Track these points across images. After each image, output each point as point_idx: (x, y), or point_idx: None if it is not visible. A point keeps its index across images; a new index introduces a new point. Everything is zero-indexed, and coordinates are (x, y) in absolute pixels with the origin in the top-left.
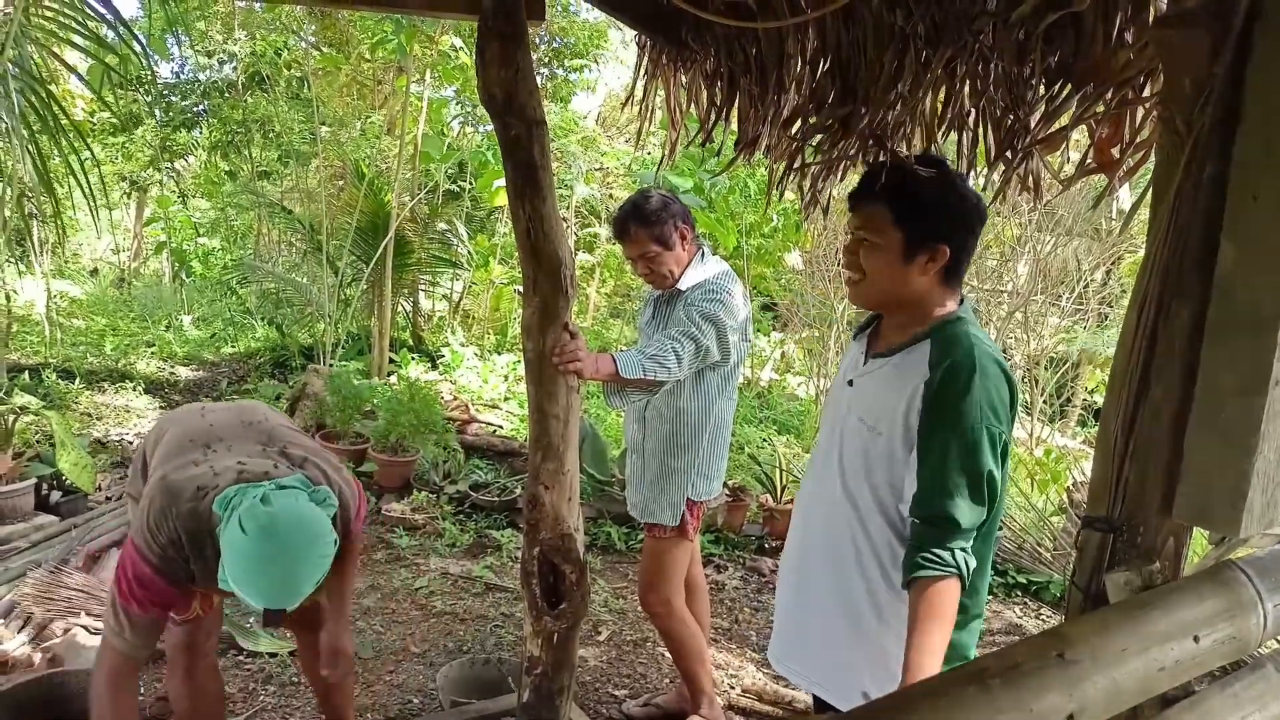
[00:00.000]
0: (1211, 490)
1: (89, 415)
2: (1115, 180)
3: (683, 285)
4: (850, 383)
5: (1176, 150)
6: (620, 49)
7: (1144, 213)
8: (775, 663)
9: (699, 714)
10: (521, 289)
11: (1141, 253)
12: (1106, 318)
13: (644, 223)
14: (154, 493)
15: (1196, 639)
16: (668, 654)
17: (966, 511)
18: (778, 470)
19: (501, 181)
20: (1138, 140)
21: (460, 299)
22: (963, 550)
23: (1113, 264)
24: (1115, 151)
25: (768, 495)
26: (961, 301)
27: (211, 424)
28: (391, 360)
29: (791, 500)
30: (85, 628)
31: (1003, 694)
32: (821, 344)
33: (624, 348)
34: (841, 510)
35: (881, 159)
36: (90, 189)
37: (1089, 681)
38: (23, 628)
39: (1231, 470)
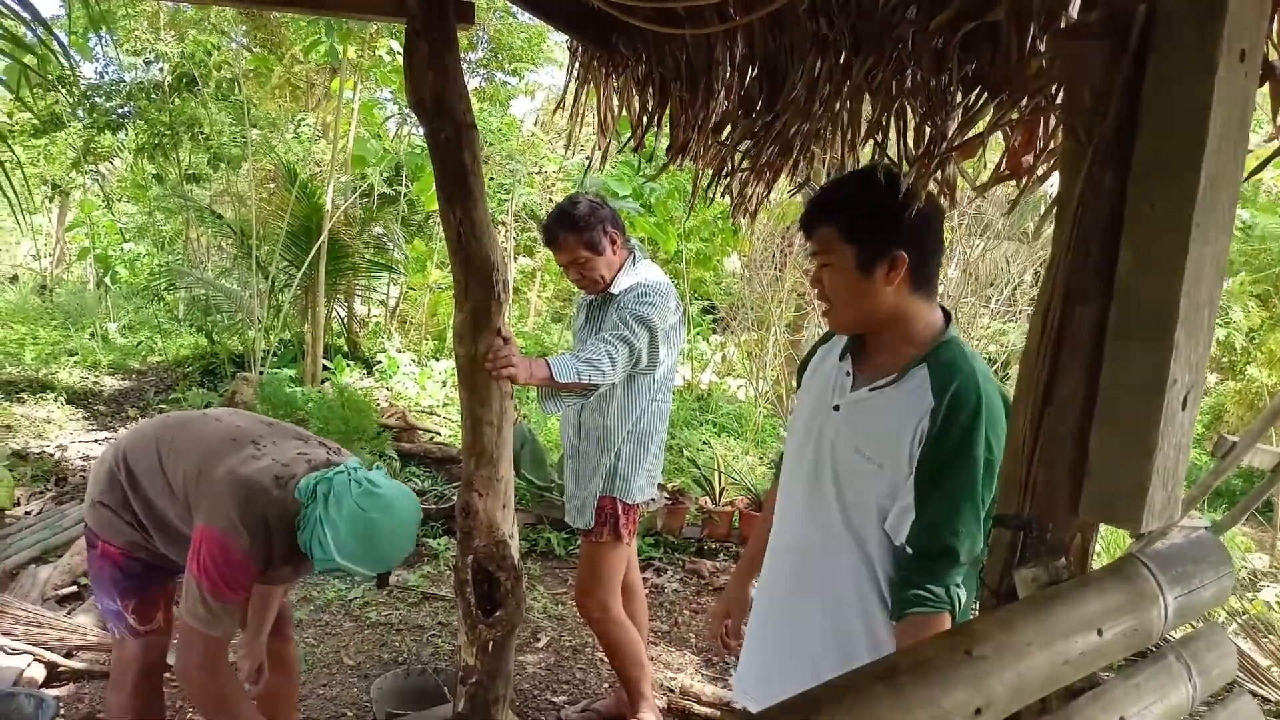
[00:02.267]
0: (1115, 487)
1: (8, 428)
2: (1026, 187)
3: (615, 289)
4: (836, 408)
5: (1079, 158)
6: (559, 52)
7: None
8: (744, 694)
9: (637, 718)
10: None
11: None
12: None
13: (573, 229)
14: (227, 488)
15: (1100, 632)
16: (606, 659)
17: (968, 544)
18: (716, 473)
19: None
20: (1050, 148)
21: (397, 304)
22: (956, 585)
23: (1040, 266)
24: (1029, 159)
25: (706, 498)
26: (947, 318)
27: (237, 424)
28: (325, 367)
29: (730, 503)
30: (0, 648)
31: (911, 691)
32: (760, 347)
33: (562, 353)
34: (843, 546)
35: (803, 165)
36: (14, 191)
37: (994, 676)
38: None
39: (1133, 467)
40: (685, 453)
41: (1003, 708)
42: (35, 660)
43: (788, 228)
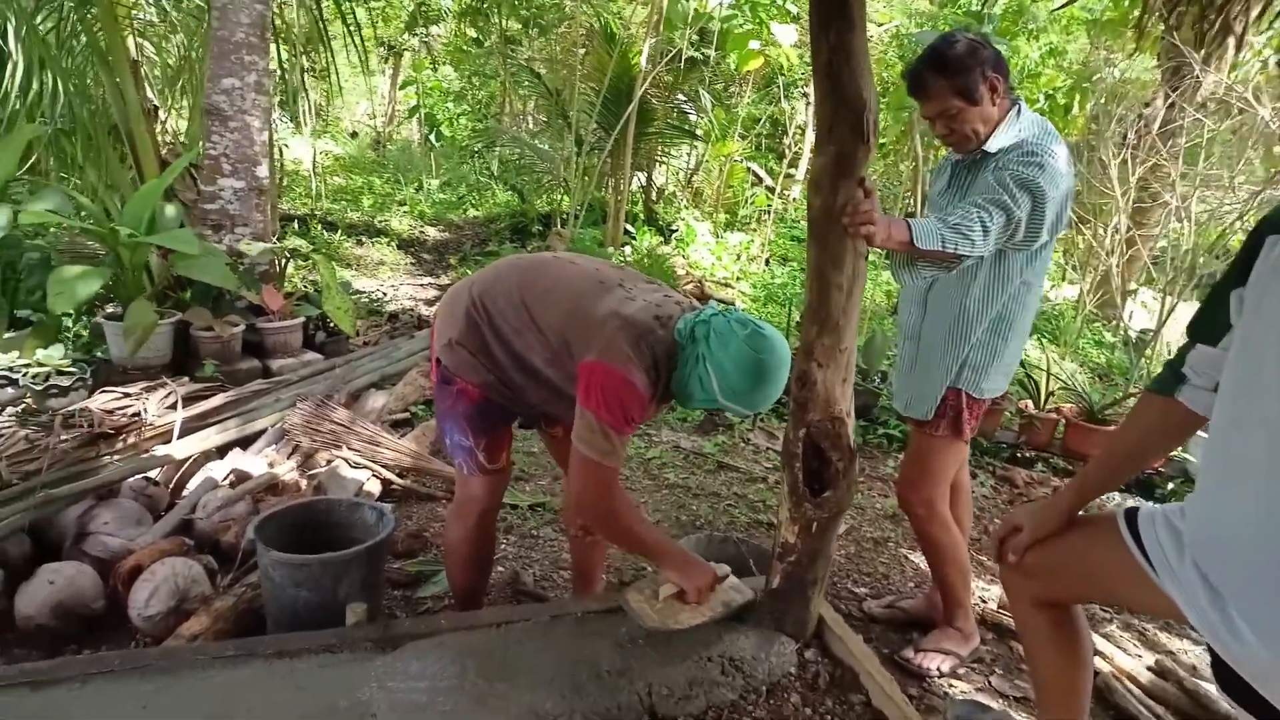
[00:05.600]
0: None
1: (349, 266)
2: None
3: (990, 147)
4: None
5: None
6: None
7: None
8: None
9: (953, 626)
10: (755, 165)
11: None
12: None
13: (945, 72)
14: (616, 327)
15: None
16: (911, 556)
17: None
18: (1044, 374)
19: (756, 43)
20: None
21: (693, 174)
22: None
23: None
24: None
25: (1028, 401)
26: None
27: (595, 267)
28: (627, 231)
29: (1055, 409)
30: (345, 460)
31: None
32: (1091, 245)
33: (928, 215)
34: None
35: None
36: (358, 48)
37: None
38: (291, 454)
39: None
40: None
41: None
42: (374, 476)
43: (1147, 102)
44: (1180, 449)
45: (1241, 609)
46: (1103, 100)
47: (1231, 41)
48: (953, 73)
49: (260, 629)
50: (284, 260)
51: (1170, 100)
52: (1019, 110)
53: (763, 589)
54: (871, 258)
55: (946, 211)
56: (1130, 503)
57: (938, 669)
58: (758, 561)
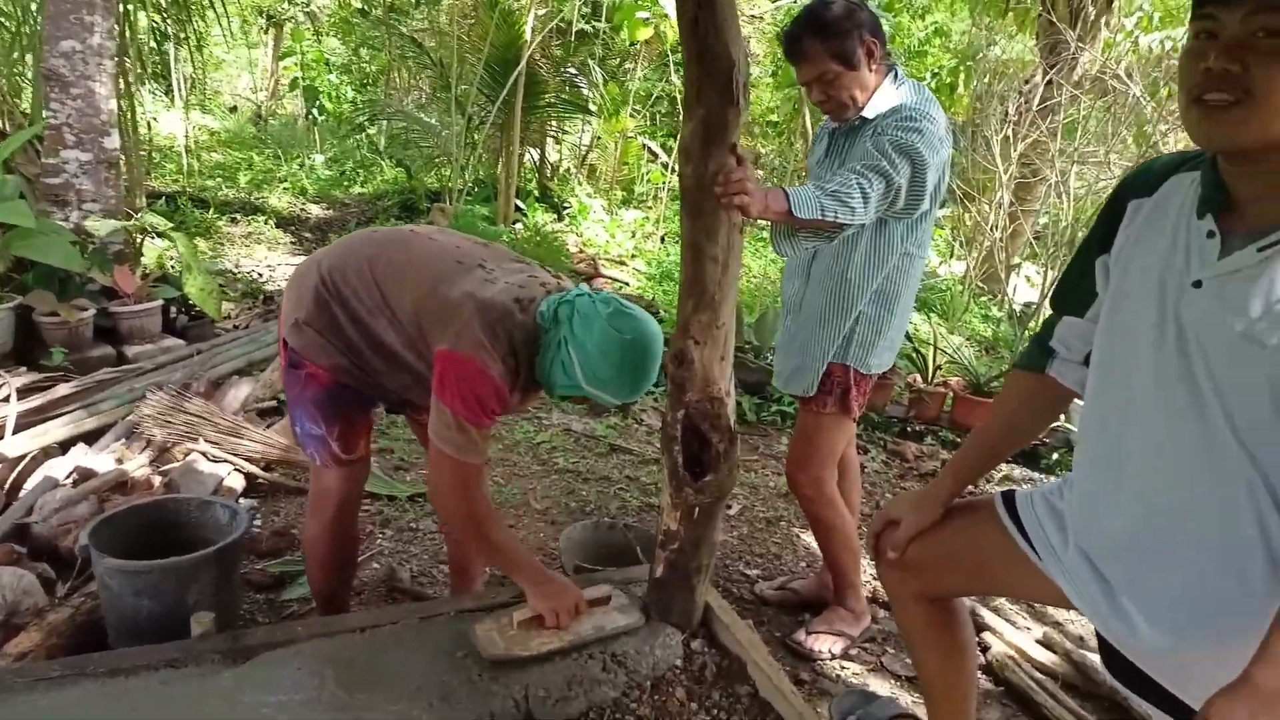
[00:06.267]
0: None
1: (220, 245)
2: None
3: (869, 113)
4: (1198, 283)
5: None
6: None
7: None
8: (1139, 627)
9: (844, 606)
10: (650, 142)
11: None
12: None
13: (821, 35)
14: (471, 312)
15: None
16: (803, 536)
17: None
18: (931, 349)
19: (645, 14)
20: None
21: (588, 151)
22: None
23: None
24: None
25: (917, 375)
26: None
27: (456, 244)
28: (518, 208)
29: (943, 383)
30: (204, 454)
31: None
32: (976, 221)
33: (806, 183)
34: (1234, 470)
35: None
36: (227, 15)
37: None
38: (144, 449)
39: None
40: None
41: None
42: (235, 470)
43: (1027, 80)
44: (1062, 418)
45: (1136, 602)
46: (985, 79)
47: (1104, 21)
48: (829, 35)
49: (102, 643)
50: (139, 238)
51: (1048, 78)
52: (895, 75)
53: (647, 578)
54: (762, 232)
55: (825, 180)
56: (1016, 476)
57: (829, 651)
58: (645, 548)
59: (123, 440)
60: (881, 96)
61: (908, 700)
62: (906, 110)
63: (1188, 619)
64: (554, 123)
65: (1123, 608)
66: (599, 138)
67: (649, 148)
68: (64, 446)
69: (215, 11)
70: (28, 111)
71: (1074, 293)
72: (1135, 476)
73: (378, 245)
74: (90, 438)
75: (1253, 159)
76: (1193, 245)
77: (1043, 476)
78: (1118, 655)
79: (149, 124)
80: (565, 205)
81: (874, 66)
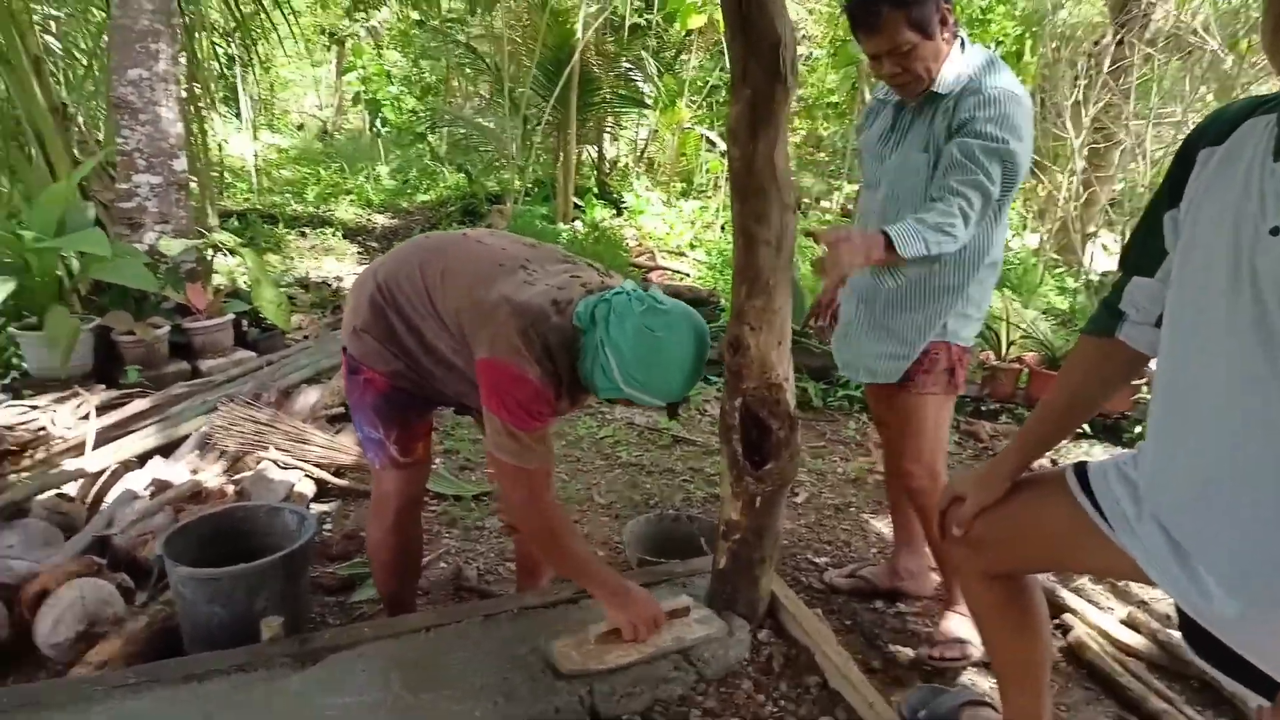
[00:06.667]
0: None
1: (290, 259)
2: None
3: (940, 88)
4: (1275, 230)
5: None
6: None
7: None
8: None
9: (955, 610)
10: (708, 131)
11: None
12: None
13: (902, 2)
14: (506, 315)
15: None
16: (873, 521)
17: None
18: (1004, 324)
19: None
20: None
21: (645, 145)
22: None
23: None
24: None
25: (989, 352)
26: None
27: (502, 246)
28: (576, 205)
29: (1017, 359)
30: (275, 462)
31: None
32: (1049, 191)
33: (905, 220)
34: None
35: None
36: (293, 34)
37: None
38: (218, 459)
39: None
40: None
41: None
42: (306, 476)
43: (1097, 41)
44: (1146, 388)
45: (1207, 563)
46: (1053, 44)
47: None
48: (909, 2)
49: (178, 650)
50: (210, 255)
51: (1119, 36)
52: (963, 43)
53: (711, 569)
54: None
55: (875, 167)
56: (1096, 453)
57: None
58: (709, 539)
59: (197, 451)
60: (950, 67)
61: (986, 686)
62: (989, 92)
63: (1253, 574)
64: (610, 119)
65: (1196, 572)
66: (656, 131)
67: (707, 138)
68: (141, 460)
69: (279, 34)
70: (102, 141)
71: (1143, 251)
72: (1205, 430)
73: (428, 251)
74: (166, 450)
75: None
76: (1268, 190)
77: (1126, 452)
78: (1199, 630)
79: (219, 146)
80: (623, 201)
81: (946, 35)
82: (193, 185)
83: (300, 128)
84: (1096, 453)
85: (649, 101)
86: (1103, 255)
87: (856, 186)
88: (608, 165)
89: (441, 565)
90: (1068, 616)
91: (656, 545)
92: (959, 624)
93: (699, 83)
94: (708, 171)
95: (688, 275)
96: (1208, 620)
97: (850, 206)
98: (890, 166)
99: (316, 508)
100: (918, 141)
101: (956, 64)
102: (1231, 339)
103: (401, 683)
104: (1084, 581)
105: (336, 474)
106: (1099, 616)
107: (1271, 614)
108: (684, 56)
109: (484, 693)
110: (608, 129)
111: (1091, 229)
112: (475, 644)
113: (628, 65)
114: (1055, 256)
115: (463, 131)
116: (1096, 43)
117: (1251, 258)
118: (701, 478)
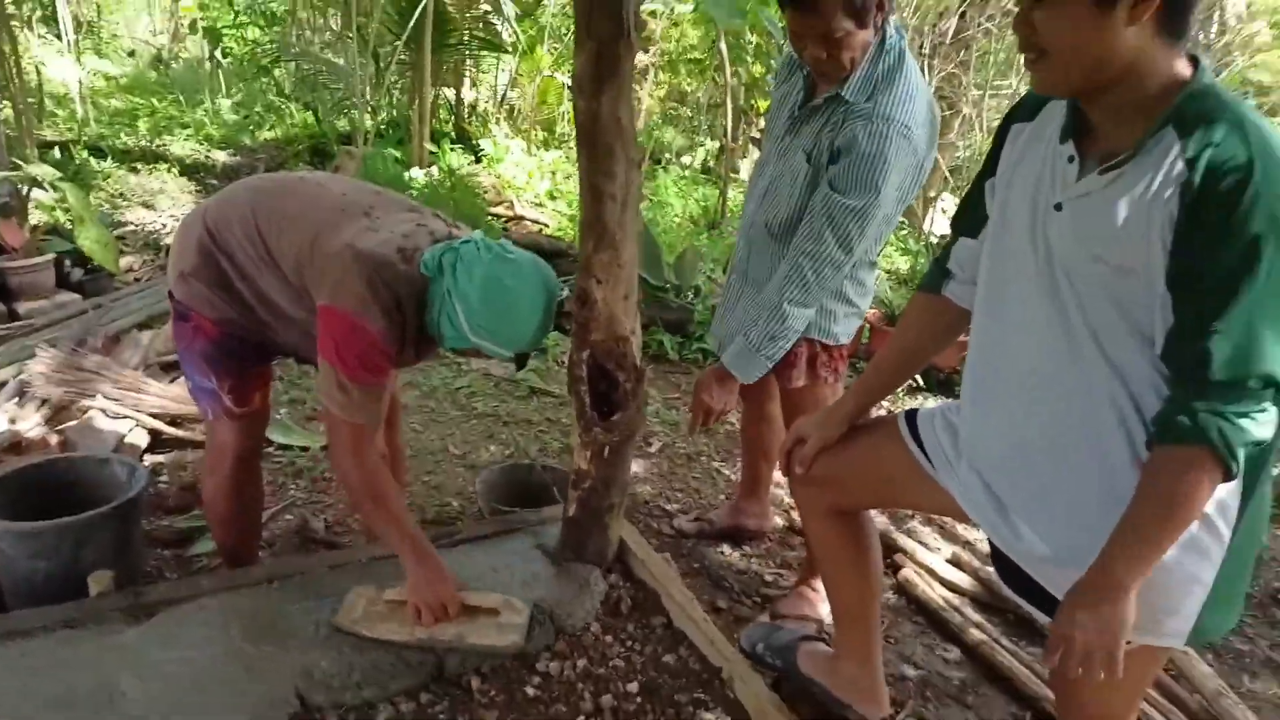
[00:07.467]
0: None
1: (121, 196)
2: None
3: (846, 92)
4: (1059, 206)
5: None
6: None
7: None
8: (1030, 543)
9: (812, 587)
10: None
11: None
12: None
13: None
14: (348, 263)
15: None
16: (724, 470)
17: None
18: None
19: None
20: None
21: (505, 91)
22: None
23: None
24: None
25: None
26: (1196, 65)
27: (343, 191)
28: (432, 151)
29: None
30: (103, 410)
31: None
32: None
33: (737, 339)
34: (1103, 390)
35: None
36: None
37: None
38: (40, 408)
39: None
40: None
41: None
42: (138, 426)
43: (941, 14)
44: None
45: (1020, 511)
46: (905, 14)
47: None
48: None
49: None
50: (25, 189)
51: (960, 9)
52: (884, 41)
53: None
54: (684, 170)
55: (755, 312)
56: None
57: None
58: (563, 489)
59: (15, 400)
60: (861, 69)
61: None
62: (876, 125)
63: (1060, 534)
64: (470, 62)
65: (1013, 522)
66: (517, 77)
67: (569, 86)
68: None
69: None
70: None
71: (969, 215)
72: (1013, 393)
73: (262, 194)
74: None
75: (1089, 94)
76: (1057, 169)
77: (953, 401)
78: (1009, 563)
79: (37, 69)
80: (482, 148)
81: (877, 24)
82: (4, 110)
83: (131, 54)
84: (929, 404)
85: (508, 47)
86: (942, 219)
87: (718, 144)
88: (467, 110)
89: (287, 518)
90: (899, 556)
91: (510, 495)
92: (804, 600)
93: (561, 30)
94: (569, 121)
95: (547, 225)
96: (1016, 555)
97: (711, 164)
98: (779, 156)
99: (151, 459)
100: (805, 143)
101: (868, 65)
102: (1032, 307)
103: (243, 634)
104: (915, 523)
105: (173, 424)
106: (927, 556)
107: (1077, 569)
108: (544, 1)
109: (328, 643)
110: (467, 72)
111: (932, 193)
112: (320, 594)
113: (486, 8)
114: (899, 219)
115: (309, 67)
116: (941, 13)
117: (1044, 231)
118: (558, 428)
